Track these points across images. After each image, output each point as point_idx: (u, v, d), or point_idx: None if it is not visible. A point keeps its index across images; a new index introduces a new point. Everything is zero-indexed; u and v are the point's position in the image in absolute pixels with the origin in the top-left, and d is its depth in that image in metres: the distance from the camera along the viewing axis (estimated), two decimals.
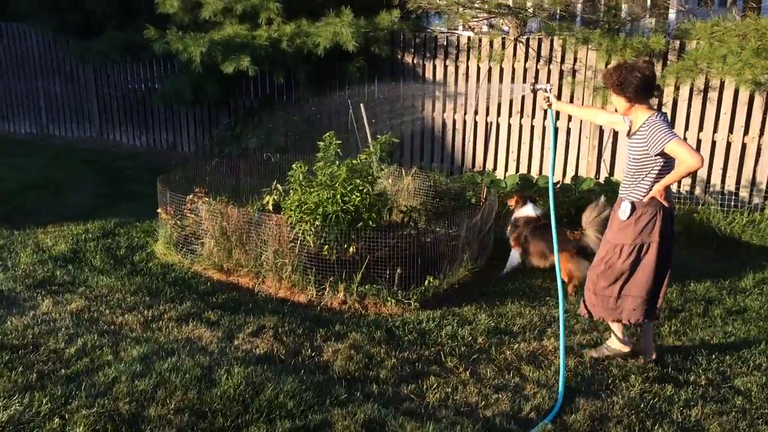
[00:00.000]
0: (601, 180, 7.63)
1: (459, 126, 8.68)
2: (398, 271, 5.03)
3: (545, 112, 5.71)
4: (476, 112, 8.53)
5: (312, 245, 5.57)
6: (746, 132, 7.20)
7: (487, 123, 8.50)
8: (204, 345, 4.07)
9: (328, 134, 6.21)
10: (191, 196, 6.57)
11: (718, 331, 4.65)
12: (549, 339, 4.41)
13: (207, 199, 6.52)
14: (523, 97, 8.22)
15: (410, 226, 6.45)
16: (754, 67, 6.15)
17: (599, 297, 4.08)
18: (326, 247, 5.60)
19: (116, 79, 11.18)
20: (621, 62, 3.94)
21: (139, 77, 10.96)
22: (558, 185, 7.52)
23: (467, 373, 3.88)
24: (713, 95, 7.25)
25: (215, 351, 3.98)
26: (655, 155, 3.75)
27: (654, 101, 4.28)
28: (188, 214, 6.26)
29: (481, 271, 5.68)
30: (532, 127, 8.25)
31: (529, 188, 7.10)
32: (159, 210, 6.08)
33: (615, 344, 4.22)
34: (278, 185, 6.30)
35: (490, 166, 8.53)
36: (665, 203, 3.84)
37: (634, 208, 3.88)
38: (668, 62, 7.39)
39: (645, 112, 3.83)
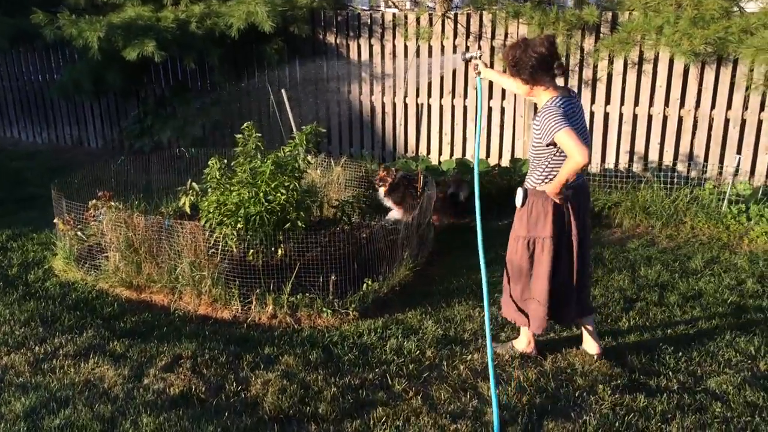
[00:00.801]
0: None
1: (389, 109, 8.18)
2: (332, 277, 4.50)
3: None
4: (406, 94, 8.04)
5: (235, 250, 4.98)
6: (682, 105, 7.00)
7: (417, 105, 8.03)
8: (107, 387, 3.44)
9: (246, 125, 5.60)
10: (94, 202, 5.84)
11: (679, 321, 4.36)
12: (505, 348, 4.00)
13: (112, 204, 5.80)
14: (454, 76, 7.80)
15: (343, 221, 5.93)
16: (692, 37, 5.90)
17: (505, 295, 3.86)
18: (251, 252, 5.03)
19: (10, 70, 10.11)
20: (518, 40, 3.52)
21: (35, 67, 9.93)
22: (496, 169, 7.14)
23: (419, 398, 3.41)
24: (647, 68, 7.01)
25: (120, 395, 3.36)
26: (547, 145, 3.40)
27: (562, 81, 3.84)
28: (91, 223, 5.54)
29: (422, 268, 5.23)
30: (465, 107, 7.83)
31: (466, 173, 6.69)
32: (56, 220, 5.33)
33: (520, 345, 3.94)
34: (194, 184, 5.65)
35: (423, 150, 8.08)
36: (557, 199, 3.49)
37: (526, 195, 3.57)
38: (601, 35, 7.09)
39: (546, 93, 3.45)
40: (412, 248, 5.22)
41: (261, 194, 5.10)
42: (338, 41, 8.19)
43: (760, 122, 6.76)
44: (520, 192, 3.58)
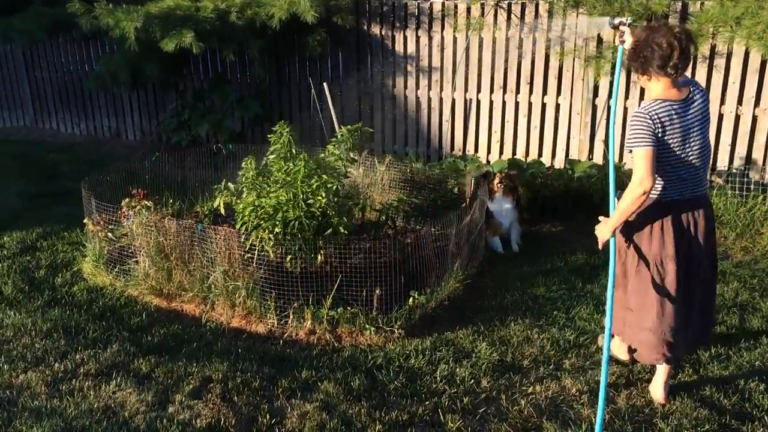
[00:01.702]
0: (601, 162, 6.80)
1: (435, 104, 7.74)
2: (377, 291, 4.11)
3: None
4: (454, 88, 7.59)
5: (272, 256, 4.64)
6: (757, 103, 6.41)
7: (466, 100, 7.58)
8: (128, 416, 3.12)
9: (279, 124, 5.25)
10: (127, 200, 5.56)
11: (766, 350, 3.85)
12: (569, 376, 3.56)
13: (146, 202, 5.52)
14: (505, 72, 7.32)
15: (387, 225, 5.54)
16: None
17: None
18: (288, 258, 4.68)
19: (49, 61, 9.96)
20: (659, 23, 3.21)
21: (74, 58, 9.76)
22: (550, 170, 6.65)
23: None
24: (720, 62, 6.43)
25: (141, 426, 3.03)
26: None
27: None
28: (124, 224, 5.26)
29: (472, 280, 4.81)
30: (517, 103, 7.35)
31: (521, 174, 6.22)
32: (85, 221, 5.06)
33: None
34: (230, 184, 5.32)
35: (471, 149, 7.63)
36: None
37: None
38: None
39: (656, 88, 3.11)
40: (463, 258, 4.80)
41: (300, 196, 4.75)
42: (383, 32, 7.78)
43: None
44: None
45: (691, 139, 3.09)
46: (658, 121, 3.00)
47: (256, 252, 4.54)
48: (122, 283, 4.65)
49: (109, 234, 5.09)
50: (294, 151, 5.19)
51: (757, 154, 6.48)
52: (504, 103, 7.42)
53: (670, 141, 3.03)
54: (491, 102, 7.47)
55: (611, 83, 3.27)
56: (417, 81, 7.78)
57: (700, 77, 6.51)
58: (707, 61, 6.43)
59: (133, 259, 4.64)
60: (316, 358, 3.77)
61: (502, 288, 4.78)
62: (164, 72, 7.69)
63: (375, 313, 4.10)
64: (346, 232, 4.64)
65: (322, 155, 5.02)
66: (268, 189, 4.90)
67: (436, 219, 4.98)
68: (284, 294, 4.21)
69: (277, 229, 4.70)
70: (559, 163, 7.16)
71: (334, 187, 4.80)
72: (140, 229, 4.44)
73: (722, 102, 6.52)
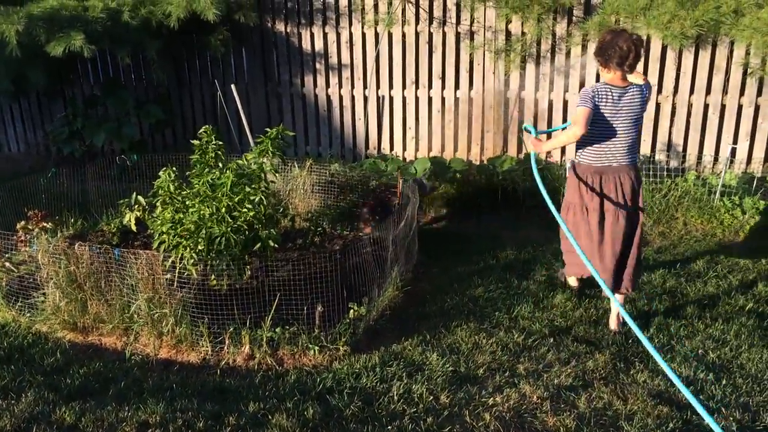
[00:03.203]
0: (515, 154, 6.85)
1: (347, 103, 7.54)
2: (319, 308, 3.88)
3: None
4: (366, 86, 7.42)
5: (195, 275, 4.31)
6: (659, 91, 6.66)
7: (378, 97, 7.43)
8: None
9: (204, 129, 4.91)
10: (23, 224, 5.03)
11: (705, 337, 3.96)
12: (526, 382, 3.49)
13: (45, 224, 5.01)
14: (417, 66, 7.23)
15: (314, 233, 5.31)
16: (682, 19, 5.51)
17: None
18: (213, 277, 4.36)
19: None
20: (617, 28, 4.00)
21: None
22: (470, 165, 6.63)
23: None
24: None
25: None
26: None
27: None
28: (22, 250, 4.73)
29: (411, 286, 4.68)
30: (430, 98, 7.29)
31: (444, 172, 6.15)
32: None
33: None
34: (140, 198, 4.92)
35: (386, 147, 7.49)
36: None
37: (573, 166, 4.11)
38: (573, 18, 6.66)
39: (606, 77, 3.92)
40: (401, 263, 4.65)
41: (224, 210, 4.43)
42: (289, 29, 7.48)
43: (739, 107, 6.49)
44: (568, 163, 4.19)
45: (617, 121, 3.85)
46: (597, 95, 3.81)
47: (176, 272, 4.20)
48: (28, 318, 4.16)
49: (7, 264, 4.56)
50: (221, 161, 4.87)
51: (662, 140, 6.75)
52: (417, 98, 7.34)
53: (600, 114, 3.81)
54: (404, 98, 7.37)
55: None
56: (327, 79, 7.55)
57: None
58: None
59: (40, 291, 4.15)
60: (260, 387, 3.50)
61: (441, 291, 4.67)
62: (52, 78, 7.03)
63: (317, 330, 3.87)
64: (275, 245, 4.38)
65: (240, 162, 4.71)
66: (189, 203, 4.55)
67: (375, 224, 4.82)
68: (217, 318, 3.90)
69: (200, 247, 4.37)
70: (475, 157, 7.16)
71: (259, 198, 4.52)
72: (46, 258, 3.97)
73: None
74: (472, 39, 7.00)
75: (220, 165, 4.78)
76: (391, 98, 7.42)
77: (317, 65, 7.54)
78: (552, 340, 3.93)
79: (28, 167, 8.04)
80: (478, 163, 7.01)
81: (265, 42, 7.59)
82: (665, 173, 6.30)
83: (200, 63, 7.79)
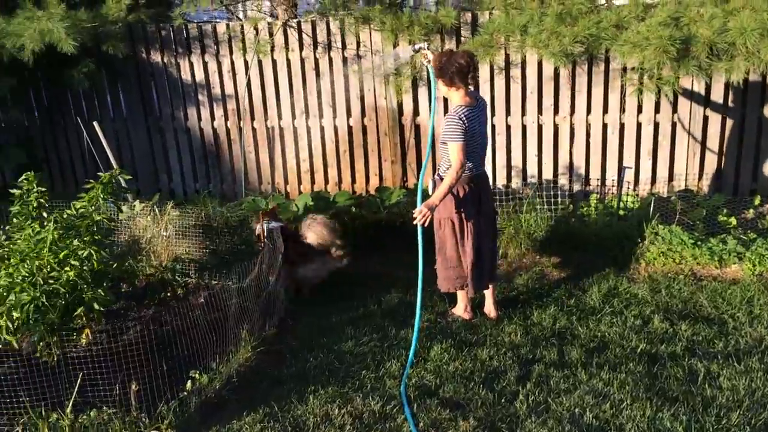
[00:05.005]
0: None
1: (234, 136, 6.99)
2: (134, 387, 3.27)
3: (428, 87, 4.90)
4: (253, 117, 6.89)
5: (16, 345, 3.68)
6: (556, 111, 6.33)
7: (267, 128, 6.90)
8: None
9: (25, 175, 4.33)
10: None
11: (588, 390, 3.51)
12: None
13: None
14: (305, 93, 6.74)
15: (176, 284, 4.73)
16: (561, 35, 5.17)
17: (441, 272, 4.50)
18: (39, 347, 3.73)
19: None
20: (446, 50, 4.73)
21: None
22: (361, 200, 6.11)
23: None
24: (516, 73, 6.28)
25: None
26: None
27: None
28: None
29: (271, 343, 4.12)
30: (322, 128, 6.80)
31: (326, 209, 5.63)
32: None
33: (458, 310, 4.54)
34: None
35: (280, 181, 6.95)
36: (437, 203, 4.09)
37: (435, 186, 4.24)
38: (462, 38, 6.29)
39: (458, 96, 4.17)
40: (255, 320, 4.08)
41: (44, 271, 3.82)
42: (166, 60, 6.91)
43: (639, 125, 6.21)
44: (430, 183, 4.31)
45: (477, 134, 4.17)
46: (466, 120, 4.04)
47: None
48: None
49: None
50: (44, 211, 4.26)
51: (563, 163, 6.40)
52: (308, 128, 6.84)
53: (471, 134, 4.08)
54: (295, 129, 6.86)
55: (432, 91, 4.75)
56: (211, 111, 6.99)
57: (499, 89, 6.32)
58: (503, 72, 6.25)
59: None
60: None
61: (305, 348, 4.13)
62: None
63: (135, 412, 3.26)
64: (101, 309, 3.77)
65: (69, 211, 4.10)
66: (3, 264, 3.92)
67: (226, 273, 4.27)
68: (14, 401, 3.24)
69: (15, 314, 3.74)
70: (373, 188, 6.68)
71: (87, 253, 3.91)
72: None
73: (523, 113, 6.37)
74: (359, 63, 6.57)
75: (45, 215, 4.17)
76: (281, 129, 6.91)
77: (200, 97, 6.98)
78: (415, 405, 3.42)
79: None
80: (370, 195, 6.52)
81: (141, 74, 6.99)
82: (567, 198, 5.96)
83: (73, 101, 7.13)
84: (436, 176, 4.29)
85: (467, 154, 4.07)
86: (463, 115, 4.05)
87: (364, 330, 4.32)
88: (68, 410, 3.17)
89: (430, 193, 4.21)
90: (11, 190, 4.35)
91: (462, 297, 4.47)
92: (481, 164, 4.29)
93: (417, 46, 4.84)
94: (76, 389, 3.25)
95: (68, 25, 5.99)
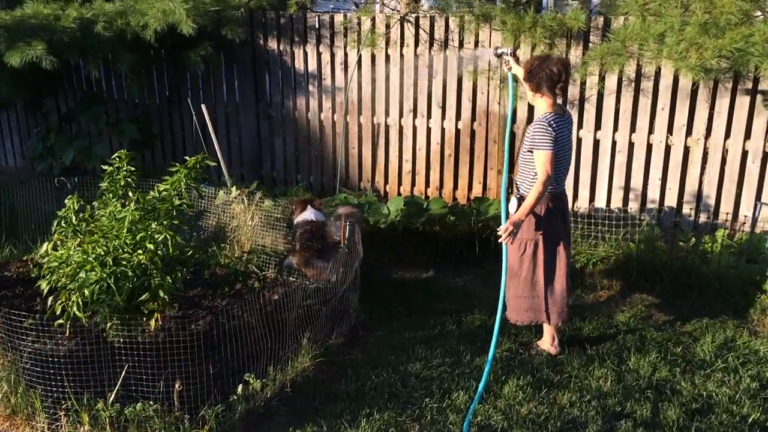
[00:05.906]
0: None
1: (340, 130, 6.83)
2: (177, 386, 3.13)
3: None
4: (360, 112, 6.70)
5: (84, 322, 3.67)
6: (689, 132, 5.64)
7: (373, 125, 6.69)
8: None
9: (119, 153, 4.34)
10: None
11: None
12: None
13: None
14: (415, 92, 6.46)
15: (254, 278, 4.60)
16: (702, 48, 4.53)
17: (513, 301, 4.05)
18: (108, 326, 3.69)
19: None
20: (542, 54, 4.33)
21: None
22: (456, 210, 5.74)
23: None
24: (647, 85, 5.66)
25: None
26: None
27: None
28: None
29: (336, 354, 3.88)
30: (429, 129, 6.49)
31: (417, 216, 5.32)
32: None
33: (545, 344, 4.10)
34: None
35: (380, 180, 6.72)
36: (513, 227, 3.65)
37: (521, 202, 3.76)
38: (590, 44, 5.74)
39: (545, 104, 3.82)
40: (319, 327, 3.85)
41: (118, 252, 3.78)
42: (282, 48, 6.87)
43: None
44: (514, 201, 3.83)
45: (566, 145, 3.83)
46: (556, 128, 3.69)
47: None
48: None
49: None
50: (130, 191, 4.26)
51: (689, 190, 5.71)
52: (415, 128, 6.56)
53: (560, 144, 3.72)
54: (401, 127, 6.60)
55: (510, 98, 4.38)
56: (320, 102, 6.87)
57: (625, 102, 5.72)
58: (633, 84, 5.66)
59: None
60: None
61: (370, 364, 3.85)
62: (22, 90, 6.63)
63: (177, 411, 3.12)
64: (165, 297, 3.67)
65: (154, 193, 4.06)
66: (87, 239, 3.94)
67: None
68: (57, 386, 3.18)
69: (86, 291, 3.73)
70: (465, 200, 6.29)
71: (163, 237, 3.84)
72: None
73: (650, 130, 5.74)
74: (475, 64, 6.18)
75: (131, 195, 4.15)
76: (387, 126, 6.67)
77: (311, 87, 6.89)
78: None
79: (19, 182, 7.72)
80: (466, 205, 6.12)
81: (257, 60, 7.00)
82: (690, 230, 5.29)
83: (191, 82, 7.26)
84: (518, 194, 3.87)
85: (555, 164, 3.70)
86: (552, 122, 3.70)
87: (436, 351, 3.98)
88: (110, 400, 3.07)
89: (511, 211, 3.82)
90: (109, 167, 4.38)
91: (548, 329, 4.04)
92: (563, 180, 3.91)
93: (500, 51, 4.37)
94: (120, 379, 3.15)
95: (189, 7, 6.05)
